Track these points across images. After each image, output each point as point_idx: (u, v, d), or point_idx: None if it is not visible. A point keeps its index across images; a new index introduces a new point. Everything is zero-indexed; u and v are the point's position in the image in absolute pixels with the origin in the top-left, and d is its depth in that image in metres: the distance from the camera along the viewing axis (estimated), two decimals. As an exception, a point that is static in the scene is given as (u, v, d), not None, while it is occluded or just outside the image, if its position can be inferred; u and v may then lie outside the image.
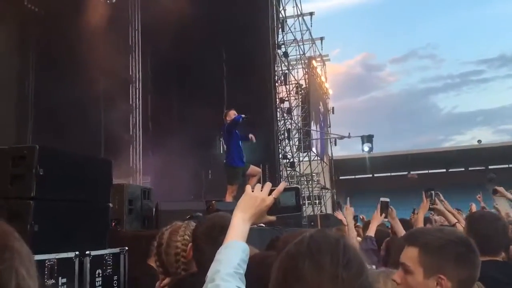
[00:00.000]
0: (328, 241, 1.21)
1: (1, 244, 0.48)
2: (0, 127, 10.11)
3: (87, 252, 3.71)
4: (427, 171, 44.82)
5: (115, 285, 4.06)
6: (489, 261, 2.48)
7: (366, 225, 4.51)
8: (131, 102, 12.72)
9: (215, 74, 14.89)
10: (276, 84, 15.14)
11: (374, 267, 2.88)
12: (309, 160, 18.97)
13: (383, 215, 3.75)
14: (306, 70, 20.02)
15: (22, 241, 0.52)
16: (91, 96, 11.81)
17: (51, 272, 3.30)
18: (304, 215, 13.80)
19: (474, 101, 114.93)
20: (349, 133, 19.80)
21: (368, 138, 18.06)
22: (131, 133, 12.61)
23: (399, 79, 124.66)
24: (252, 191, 1.65)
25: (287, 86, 16.52)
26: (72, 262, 3.58)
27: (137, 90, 12.89)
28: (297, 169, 16.96)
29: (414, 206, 4.26)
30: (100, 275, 3.85)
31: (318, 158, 20.92)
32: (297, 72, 19.33)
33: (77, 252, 3.62)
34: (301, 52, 18.89)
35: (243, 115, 7.76)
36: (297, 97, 18.80)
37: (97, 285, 3.81)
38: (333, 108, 25.68)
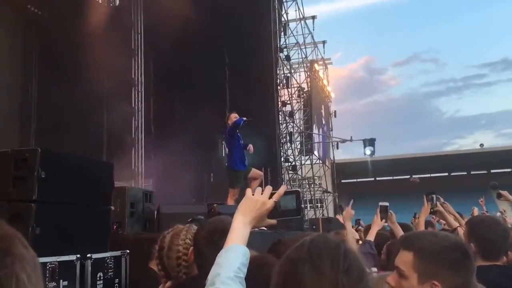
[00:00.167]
0: (328, 246, 1.20)
1: (3, 249, 0.47)
2: (3, 129, 10.14)
3: (88, 255, 3.71)
4: (429, 175, 44.75)
5: (116, 288, 4.06)
6: (491, 266, 2.47)
7: (367, 230, 4.50)
8: (133, 105, 12.75)
9: (217, 77, 14.91)
10: (278, 88, 15.15)
11: (376, 270, 2.88)
12: (311, 164, 18.95)
13: (383, 219, 3.75)
14: (308, 73, 20.02)
15: (26, 245, 0.52)
16: (94, 99, 11.85)
17: (53, 275, 3.30)
18: (306, 218, 13.78)
19: (477, 105, 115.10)
20: (351, 137, 19.79)
21: (370, 142, 18.02)
22: (133, 136, 12.63)
23: (401, 82, 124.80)
24: (253, 195, 1.65)
25: (289, 90, 16.52)
26: (74, 265, 3.57)
27: (140, 93, 12.92)
28: (299, 172, 16.94)
29: (416, 210, 4.26)
30: (102, 278, 3.85)
31: (320, 162, 20.90)
32: (299, 75, 19.35)
33: (78, 255, 3.62)
34: (303, 56, 18.91)
35: (244, 118, 7.76)
36: (299, 100, 18.80)
37: (98, 288, 3.81)
38: (335, 111, 25.69)
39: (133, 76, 12.85)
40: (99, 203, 4.26)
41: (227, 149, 8.85)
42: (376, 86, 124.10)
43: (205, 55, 14.04)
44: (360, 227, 10.14)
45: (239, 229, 1.58)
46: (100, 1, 13.67)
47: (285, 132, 15.70)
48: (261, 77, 14.43)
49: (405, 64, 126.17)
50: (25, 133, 11.50)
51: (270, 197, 1.64)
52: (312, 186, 19.09)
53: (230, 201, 7.61)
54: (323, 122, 23.18)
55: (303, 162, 17.94)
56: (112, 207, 4.55)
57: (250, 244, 1.56)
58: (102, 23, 11.82)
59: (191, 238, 2.12)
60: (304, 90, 19.47)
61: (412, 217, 7.85)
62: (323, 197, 20.89)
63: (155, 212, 6.26)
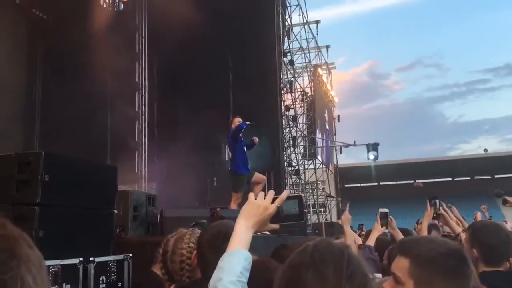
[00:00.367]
0: (332, 251, 1.19)
1: (8, 250, 0.47)
2: (7, 131, 10.17)
3: (91, 259, 3.71)
4: (433, 180, 44.62)
5: (119, 292, 4.06)
6: (493, 272, 2.46)
7: (368, 235, 4.49)
8: (137, 109, 12.77)
9: (221, 81, 14.93)
10: (282, 92, 15.15)
11: (380, 275, 2.87)
12: (314, 168, 18.93)
13: (383, 226, 3.74)
14: (312, 78, 20.03)
15: (32, 245, 0.51)
16: (97, 102, 11.89)
17: (56, 278, 3.30)
18: (309, 223, 13.75)
19: (481, 110, 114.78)
20: (354, 141, 19.75)
21: (373, 146, 17.99)
22: (136, 139, 12.64)
23: (404, 87, 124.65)
24: (255, 199, 1.65)
25: (293, 94, 16.52)
26: (77, 268, 3.58)
27: (143, 97, 12.94)
28: (302, 177, 16.91)
29: (419, 215, 4.25)
30: (104, 281, 3.86)
31: (323, 166, 20.87)
32: (303, 80, 19.35)
33: (81, 259, 3.62)
34: (307, 60, 18.91)
35: (247, 122, 7.78)
36: (302, 104, 18.80)
37: (101, 292, 3.81)
38: (338, 116, 25.66)
39: (137, 80, 12.87)
40: (103, 207, 4.26)
41: (230, 153, 8.86)
42: (379, 91, 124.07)
43: (209, 59, 14.07)
44: (362, 232, 10.12)
45: (242, 233, 1.58)
46: (104, 5, 13.73)
47: (288, 136, 15.70)
48: (264, 81, 14.44)
49: (408, 69, 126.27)
50: (29, 136, 11.55)
51: (273, 201, 1.64)
52: (315, 190, 19.05)
53: (233, 205, 7.60)
54: (327, 127, 23.16)
55: (306, 166, 17.92)
56: (115, 211, 4.55)
57: (252, 248, 1.56)
58: (106, 27, 11.87)
59: (194, 242, 2.13)
60: (308, 95, 19.46)
61: (415, 223, 7.83)
62: (326, 201, 20.84)
63: (158, 216, 6.25)
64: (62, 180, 3.72)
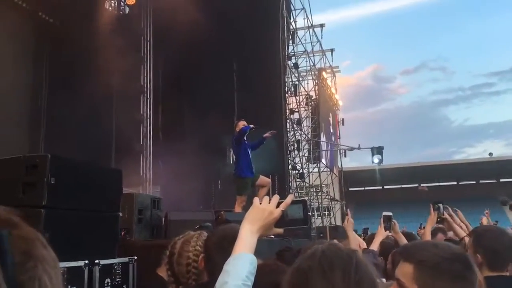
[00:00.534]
0: (340, 257, 1.19)
1: (25, 251, 0.48)
2: (13, 134, 10.23)
3: (96, 261, 3.73)
4: (437, 184, 44.47)
5: (123, 294, 4.07)
6: (497, 277, 2.45)
7: (370, 239, 4.48)
8: (142, 112, 12.80)
9: (225, 84, 14.96)
10: (286, 95, 15.17)
11: (384, 280, 2.87)
12: (319, 171, 18.91)
13: (387, 230, 3.73)
14: (316, 81, 20.04)
15: (46, 245, 0.53)
16: (103, 105, 11.93)
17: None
18: (313, 226, 13.73)
19: (486, 114, 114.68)
20: (359, 145, 19.73)
21: (378, 150, 17.96)
22: (141, 142, 12.67)
23: (409, 91, 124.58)
24: (260, 204, 1.66)
25: (297, 97, 16.54)
26: (82, 270, 3.59)
27: (148, 100, 12.97)
28: (307, 180, 16.91)
29: (424, 218, 4.23)
30: (109, 284, 3.87)
31: (328, 170, 20.85)
32: (307, 83, 19.37)
33: (86, 261, 3.64)
34: (311, 64, 18.93)
35: (251, 125, 7.80)
36: (307, 108, 18.82)
37: (106, 294, 3.82)
38: (343, 119, 25.67)
39: (142, 83, 12.91)
40: (108, 209, 4.28)
41: (234, 156, 8.88)
42: (384, 94, 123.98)
43: (214, 63, 14.10)
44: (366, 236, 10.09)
45: (247, 237, 1.59)
46: (110, 9, 13.80)
47: (292, 139, 15.70)
48: (269, 84, 14.46)
49: (413, 73, 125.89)
50: (35, 138, 11.61)
51: (277, 206, 1.65)
52: (320, 194, 19.03)
53: (238, 208, 7.61)
54: (331, 130, 23.16)
55: (310, 170, 17.90)
56: (120, 214, 4.57)
57: (257, 251, 1.57)
58: (112, 30, 11.93)
59: (201, 245, 2.13)
60: (312, 98, 19.48)
61: (418, 227, 7.80)
62: (330, 205, 20.81)
63: (163, 219, 6.27)
64: (68, 183, 3.75)
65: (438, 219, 3.93)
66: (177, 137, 13.52)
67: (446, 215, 3.93)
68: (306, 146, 17.94)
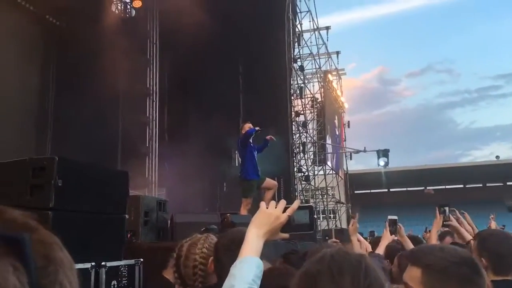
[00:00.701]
0: (349, 261, 1.19)
1: (45, 256, 0.49)
2: (20, 136, 10.29)
3: (103, 263, 3.73)
4: (444, 187, 44.28)
5: (130, 297, 4.08)
6: (502, 281, 2.43)
7: (375, 242, 4.46)
8: (148, 114, 12.84)
9: (231, 87, 14.98)
10: (292, 98, 15.17)
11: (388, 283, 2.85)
12: (324, 174, 18.88)
13: (393, 234, 3.72)
14: (322, 84, 20.03)
15: (64, 249, 0.54)
16: (109, 107, 11.98)
17: (68, 282, 3.33)
18: (319, 229, 13.71)
19: (492, 116, 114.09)
20: (364, 147, 19.68)
21: (384, 153, 17.90)
22: (147, 144, 12.70)
23: (415, 93, 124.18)
24: (267, 208, 1.67)
25: (303, 100, 16.54)
26: (88, 273, 3.60)
27: (154, 102, 13.01)
28: (312, 182, 16.88)
29: (430, 221, 4.20)
30: (116, 286, 3.88)
31: (333, 172, 20.81)
32: (313, 85, 19.36)
33: (93, 263, 3.65)
34: (317, 66, 18.93)
35: (256, 128, 7.80)
36: (312, 110, 18.80)
37: (112, 296, 3.83)
38: (348, 122, 25.63)
39: (148, 85, 12.95)
40: (114, 212, 4.29)
41: (240, 159, 8.88)
42: (390, 97, 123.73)
43: (219, 65, 14.13)
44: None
45: (253, 241, 1.60)
46: (116, 12, 13.87)
47: (298, 142, 15.69)
48: (274, 87, 14.47)
49: (419, 75, 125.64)
50: (41, 140, 11.67)
51: (284, 211, 1.66)
52: (325, 196, 19.00)
53: (243, 211, 7.61)
54: (337, 133, 23.13)
55: (316, 172, 17.87)
56: (127, 216, 4.58)
57: (263, 253, 1.58)
58: (118, 33, 11.98)
59: (208, 248, 2.15)
60: (318, 101, 19.46)
61: (423, 231, 7.75)
62: (336, 207, 20.77)
63: (169, 221, 6.28)
64: (75, 185, 3.76)
65: (444, 223, 3.89)
66: (182, 139, 13.55)
67: (451, 219, 3.90)
68: (312, 149, 17.92)
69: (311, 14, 17.32)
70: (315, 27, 18.12)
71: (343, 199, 22.68)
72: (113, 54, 11.07)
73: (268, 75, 14.36)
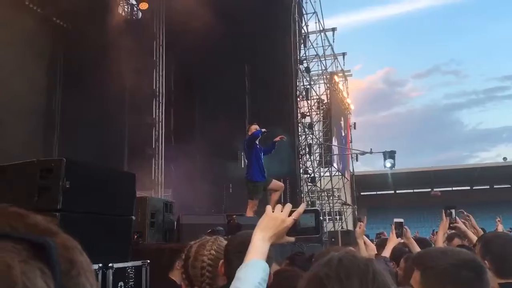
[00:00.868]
0: (357, 265, 1.18)
1: (68, 260, 0.50)
2: (27, 137, 10.34)
3: (110, 265, 3.75)
4: (451, 189, 44.03)
5: (136, 298, 4.10)
6: (506, 284, 2.42)
7: (380, 244, 4.44)
8: (154, 116, 12.88)
9: (237, 88, 15.01)
10: (298, 99, 15.16)
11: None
12: (330, 176, 18.84)
13: (399, 237, 3.70)
14: (328, 85, 20.00)
15: (84, 254, 0.55)
16: (116, 109, 12.04)
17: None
18: (325, 231, 13.69)
19: (500, 118, 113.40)
20: (371, 149, 19.63)
21: (390, 154, 17.84)
22: (153, 146, 12.74)
23: (421, 94, 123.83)
24: (273, 211, 1.67)
25: (309, 101, 16.52)
26: (96, 274, 3.61)
27: (161, 104, 13.05)
28: (318, 184, 16.86)
29: (437, 223, 4.17)
30: (123, 287, 3.89)
31: (339, 174, 20.77)
32: (319, 87, 19.33)
33: (100, 264, 3.66)
34: (323, 68, 18.89)
35: (263, 130, 7.80)
36: (318, 112, 18.76)
37: (119, 297, 3.85)
38: (354, 123, 25.56)
39: (154, 87, 12.99)
40: (121, 213, 4.31)
41: (246, 160, 8.89)
42: (396, 98, 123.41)
43: (226, 67, 14.16)
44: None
45: (259, 244, 1.61)
46: (123, 14, 13.94)
47: (304, 143, 15.67)
48: (280, 88, 14.48)
49: (425, 76, 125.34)
50: (48, 141, 11.74)
51: (290, 214, 1.66)
52: (331, 198, 18.96)
53: (249, 213, 7.62)
54: (343, 134, 23.08)
55: (322, 174, 17.84)
56: (133, 217, 4.60)
57: (271, 256, 1.59)
58: (125, 35, 12.03)
59: (216, 250, 2.16)
60: (324, 102, 19.43)
61: (431, 234, 7.71)
62: (342, 209, 20.71)
63: (175, 223, 6.30)
64: (83, 187, 3.78)
65: (450, 225, 3.87)
66: (188, 141, 13.59)
67: (458, 221, 3.88)
68: (318, 150, 17.89)
69: (317, 15, 17.31)
70: (321, 28, 18.10)
71: (349, 201, 22.62)
72: (120, 56, 11.12)
73: (274, 77, 14.36)
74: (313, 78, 17.92)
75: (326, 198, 18.39)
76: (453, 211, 3.86)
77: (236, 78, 14.94)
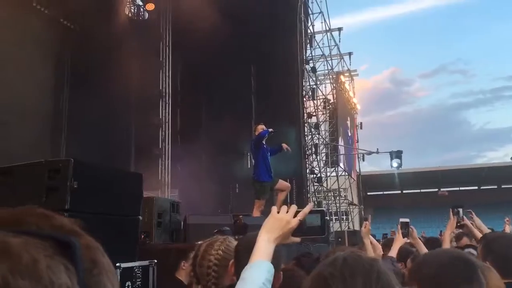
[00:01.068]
0: (362, 265, 1.19)
1: (91, 259, 0.52)
2: (35, 138, 10.41)
3: (117, 264, 3.76)
4: (458, 189, 43.81)
5: (144, 297, 4.11)
6: (508, 283, 2.41)
7: (386, 244, 4.43)
8: (161, 116, 12.93)
9: (243, 88, 15.02)
10: (304, 99, 15.15)
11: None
12: (337, 176, 18.81)
13: (405, 237, 3.70)
14: (334, 85, 19.97)
15: (106, 256, 0.57)
16: (122, 110, 12.09)
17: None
18: (332, 231, 13.67)
19: (507, 117, 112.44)
20: (377, 149, 19.55)
21: (397, 154, 17.77)
22: (160, 146, 12.79)
23: (428, 94, 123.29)
24: (278, 213, 1.68)
25: (315, 101, 16.49)
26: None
27: (167, 104, 13.10)
28: (324, 184, 16.84)
29: (444, 223, 4.15)
30: (130, 287, 3.91)
31: (346, 174, 20.73)
32: (325, 87, 19.30)
33: (108, 264, 3.67)
34: (329, 67, 18.86)
35: (270, 129, 7.80)
36: (324, 112, 18.73)
37: (126, 297, 3.86)
38: (361, 123, 25.49)
39: (161, 88, 13.05)
40: (129, 213, 4.33)
41: (253, 160, 8.90)
42: (402, 98, 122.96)
43: (232, 67, 14.18)
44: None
45: (264, 246, 1.61)
46: (129, 15, 14.00)
47: (310, 143, 15.65)
48: (287, 88, 14.47)
49: (432, 76, 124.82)
50: (56, 141, 11.81)
51: (295, 215, 1.66)
52: (338, 198, 18.93)
53: (256, 213, 7.62)
54: (349, 134, 23.03)
55: (328, 174, 17.82)
56: (141, 217, 4.62)
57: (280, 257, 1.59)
58: (132, 36, 12.09)
59: (224, 250, 2.18)
60: (330, 102, 19.40)
61: (438, 234, 7.68)
62: (348, 209, 20.68)
63: (182, 223, 6.32)
64: (90, 187, 3.80)
65: (458, 224, 3.85)
66: (195, 141, 13.62)
67: (465, 220, 3.87)
68: (324, 150, 17.86)
69: (323, 15, 17.28)
70: (327, 28, 18.07)
71: (355, 201, 22.57)
72: (126, 57, 11.17)
73: (280, 77, 14.36)
74: (319, 78, 17.90)
75: (332, 198, 18.37)
76: (460, 210, 3.85)
77: (242, 78, 14.96)
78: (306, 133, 15.24)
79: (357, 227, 18.41)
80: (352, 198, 21.59)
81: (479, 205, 20.73)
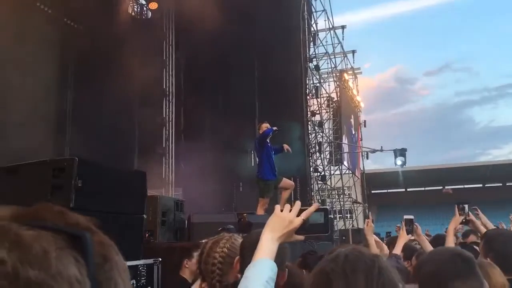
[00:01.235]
0: (363, 261, 1.20)
1: (102, 255, 0.52)
2: (39, 137, 10.44)
3: (122, 263, 3.77)
4: (463, 186, 43.70)
5: (148, 296, 4.12)
6: (509, 280, 2.41)
7: (390, 242, 4.42)
8: (164, 115, 12.95)
9: (246, 87, 15.00)
10: (308, 97, 15.13)
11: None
12: (341, 174, 18.79)
13: (409, 234, 3.68)
14: (338, 83, 19.92)
15: (120, 254, 0.57)
16: (126, 108, 12.11)
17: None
18: (336, 229, 13.66)
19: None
20: (381, 147, 19.52)
21: (401, 152, 17.74)
22: (164, 145, 12.81)
23: (433, 92, 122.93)
24: (281, 211, 1.68)
25: (319, 99, 16.47)
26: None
27: (171, 103, 13.12)
28: (328, 182, 16.82)
29: (449, 221, 4.13)
30: (135, 285, 3.92)
31: (350, 172, 20.70)
32: (329, 85, 19.26)
33: (112, 262, 3.69)
34: (333, 65, 18.83)
35: (274, 128, 7.80)
36: (328, 110, 18.70)
37: (131, 295, 3.87)
38: (365, 121, 25.42)
39: (164, 87, 13.07)
40: (133, 212, 4.34)
41: (257, 159, 8.90)
42: (407, 96, 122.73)
43: (235, 65, 14.18)
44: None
45: (267, 244, 1.61)
46: (133, 14, 14.02)
47: (314, 142, 15.64)
48: (290, 86, 14.46)
49: (436, 74, 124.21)
50: (60, 141, 11.84)
51: (299, 214, 1.66)
52: (342, 196, 18.91)
53: (260, 211, 7.63)
54: (353, 132, 22.99)
55: (332, 172, 17.80)
56: (145, 216, 4.63)
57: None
58: (135, 35, 12.10)
59: (229, 248, 2.19)
60: (334, 100, 19.36)
61: (444, 231, 7.65)
62: (352, 207, 20.66)
63: (186, 221, 6.33)
64: (95, 186, 3.82)
65: (463, 220, 3.83)
66: (198, 139, 13.62)
67: (471, 216, 3.84)
68: (328, 148, 17.83)
69: (327, 13, 17.23)
70: (331, 26, 18.03)
71: (359, 199, 22.53)
72: (130, 56, 11.19)
73: (283, 75, 14.34)
74: (322, 76, 17.86)
75: (336, 197, 18.36)
76: (466, 206, 3.83)
77: (245, 76, 14.95)
78: (309, 131, 15.22)
79: (361, 225, 18.37)
80: (356, 196, 21.56)
81: (483, 203, 20.64)
